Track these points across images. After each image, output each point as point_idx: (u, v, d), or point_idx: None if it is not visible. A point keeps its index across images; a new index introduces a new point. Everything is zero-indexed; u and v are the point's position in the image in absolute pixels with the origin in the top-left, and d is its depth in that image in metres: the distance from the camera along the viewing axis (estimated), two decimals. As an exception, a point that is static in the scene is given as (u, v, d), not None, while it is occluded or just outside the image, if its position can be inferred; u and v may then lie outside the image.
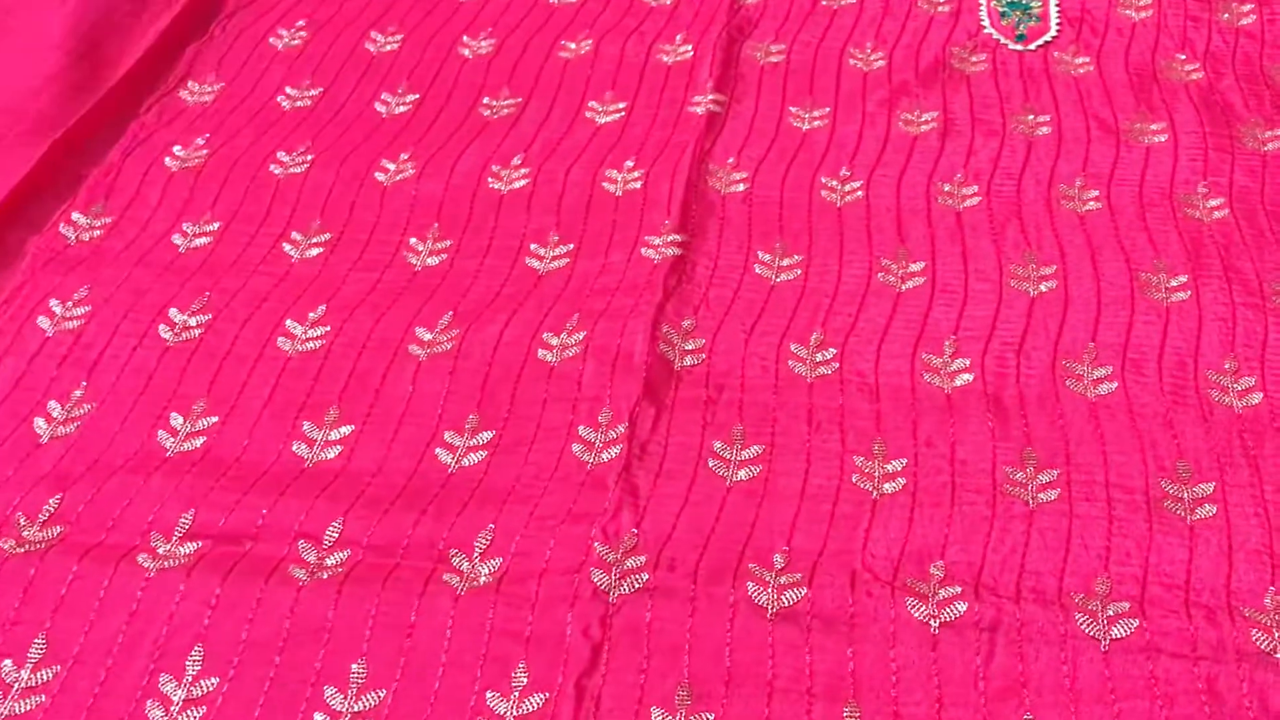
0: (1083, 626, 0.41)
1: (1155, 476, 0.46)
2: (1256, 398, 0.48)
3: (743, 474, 0.46)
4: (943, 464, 0.46)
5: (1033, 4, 0.69)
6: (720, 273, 0.54)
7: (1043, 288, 0.53)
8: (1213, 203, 0.56)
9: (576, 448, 0.47)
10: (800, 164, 0.60)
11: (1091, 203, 0.56)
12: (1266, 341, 0.50)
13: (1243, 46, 0.65)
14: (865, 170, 0.59)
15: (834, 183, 0.58)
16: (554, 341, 0.51)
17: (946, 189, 0.58)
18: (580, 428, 0.48)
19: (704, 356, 0.51)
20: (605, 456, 0.47)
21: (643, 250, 0.55)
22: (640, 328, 0.51)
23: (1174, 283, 0.53)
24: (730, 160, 0.60)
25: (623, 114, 0.63)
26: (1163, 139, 0.59)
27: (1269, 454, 0.46)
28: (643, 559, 0.43)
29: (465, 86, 0.64)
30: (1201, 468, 0.46)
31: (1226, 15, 0.67)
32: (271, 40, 0.68)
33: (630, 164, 0.60)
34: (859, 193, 0.58)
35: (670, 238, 0.55)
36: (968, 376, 0.49)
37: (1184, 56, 0.64)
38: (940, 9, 0.69)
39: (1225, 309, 0.51)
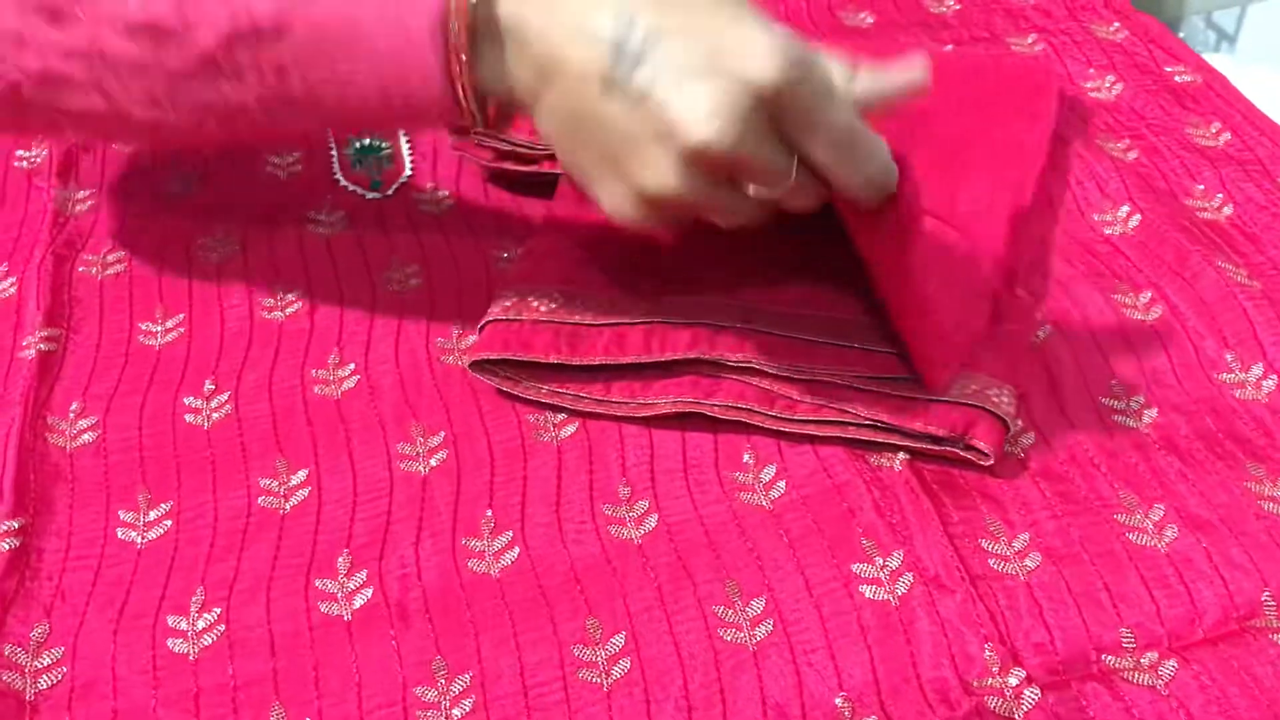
0: None
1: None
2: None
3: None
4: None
5: (383, 146, 0.66)
6: (76, 552, 0.47)
7: (433, 462, 0.50)
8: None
9: None
10: (158, 388, 0.53)
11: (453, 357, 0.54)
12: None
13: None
14: (231, 378, 0.54)
15: (199, 402, 0.53)
16: None
17: (322, 375, 0.54)
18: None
19: (65, 670, 0.43)
20: None
21: (-27, 554, 0.47)
22: (-25, 661, 0.43)
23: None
24: (75, 406, 0.52)
25: (-64, 385, 0.54)
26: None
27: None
28: None
29: None
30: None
31: None
32: None
33: (-45, 443, 0.51)
34: (227, 406, 0.53)
35: (5, 525, 0.47)
36: (367, 593, 0.45)
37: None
38: (293, 169, 0.65)
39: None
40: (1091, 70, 0.72)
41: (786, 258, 0.53)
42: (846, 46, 0.56)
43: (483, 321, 0.52)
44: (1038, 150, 0.62)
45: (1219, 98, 0.69)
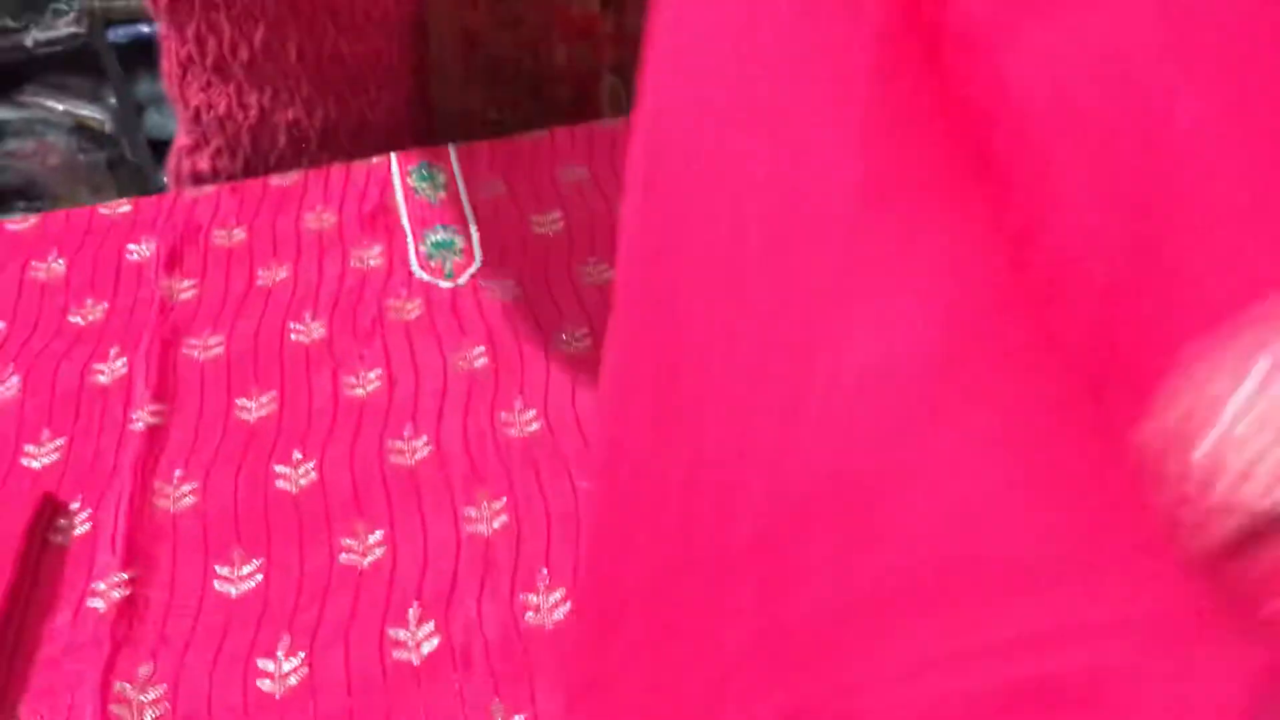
0: None
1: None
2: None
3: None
4: None
5: (457, 240, 0.73)
6: (178, 601, 0.53)
7: (495, 524, 0.55)
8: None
9: None
10: (252, 458, 0.59)
11: (533, 424, 0.60)
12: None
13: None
14: (318, 448, 0.60)
15: (288, 469, 0.58)
16: (-12, 747, 0.47)
17: (399, 446, 0.59)
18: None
19: (168, 705, 0.48)
20: None
21: (89, 601, 0.52)
22: (89, 696, 0.48)
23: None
24: (178, 473, 0.58)
25: (59, 454, 0.60)
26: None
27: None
28: None
29: None
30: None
31: None
32: None
33: (75, 505, 0.57)
34: (313, 474, 0.58)
35: (117, 577, 0.53)
36: (434, 641, 0.50)
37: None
38: (372, 262, 0.72)
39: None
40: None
41: None
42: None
43: None
44: None
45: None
